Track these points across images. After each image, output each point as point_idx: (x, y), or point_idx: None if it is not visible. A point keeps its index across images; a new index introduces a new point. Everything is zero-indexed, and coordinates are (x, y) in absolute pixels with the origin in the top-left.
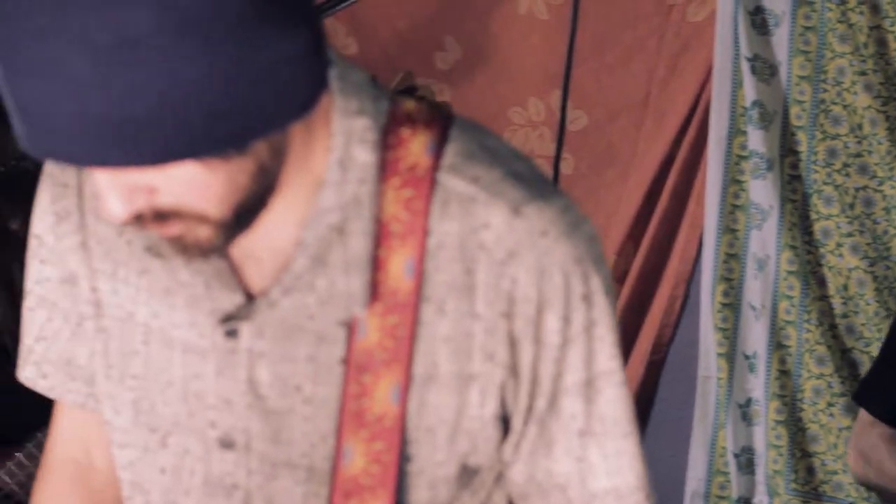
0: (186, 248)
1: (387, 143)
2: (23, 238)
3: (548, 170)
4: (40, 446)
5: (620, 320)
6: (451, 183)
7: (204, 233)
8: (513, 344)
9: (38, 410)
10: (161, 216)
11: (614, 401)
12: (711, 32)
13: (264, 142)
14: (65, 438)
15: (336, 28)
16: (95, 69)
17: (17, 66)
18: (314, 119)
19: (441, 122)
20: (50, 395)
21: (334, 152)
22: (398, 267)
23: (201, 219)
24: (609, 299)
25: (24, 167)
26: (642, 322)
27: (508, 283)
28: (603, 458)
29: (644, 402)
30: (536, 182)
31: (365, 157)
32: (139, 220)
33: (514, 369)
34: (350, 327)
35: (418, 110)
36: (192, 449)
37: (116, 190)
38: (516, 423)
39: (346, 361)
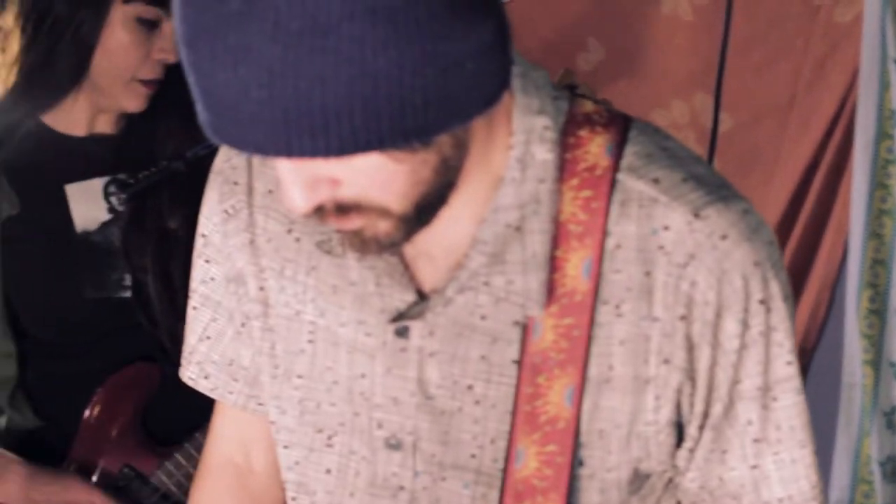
0: (365, 243)
1: (566, 143)
2: (181, 237)
3: None
4: (198, 447)
5: None
6: (631, 184)
7: (384, 227)
8: (690, 348)
9: (196, 411)
10: (342, 209)
11: (791, 408)
12: (858, 34)
13: (448, 135)
14: (224, 439)
15: None
16: (285, 56)
17: (206, 52)
18: (495, 115)
19: (619, 123)
20: (212, 395)
21: (515, 149)
22: (576, 267)
23: (383, 212)
24: (787, 305)
25: (175, 168)
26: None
27: (687, 285)
28: (778, 466)
29: None
30: (716, 185)
31: (545, 155)
32: (320, 212)
33: (690, 373)
34: (525, 328)
35: (596, 111)
36: (357, 449)
37: (299, 181)
38: (691, 428)
39: (519, 362)
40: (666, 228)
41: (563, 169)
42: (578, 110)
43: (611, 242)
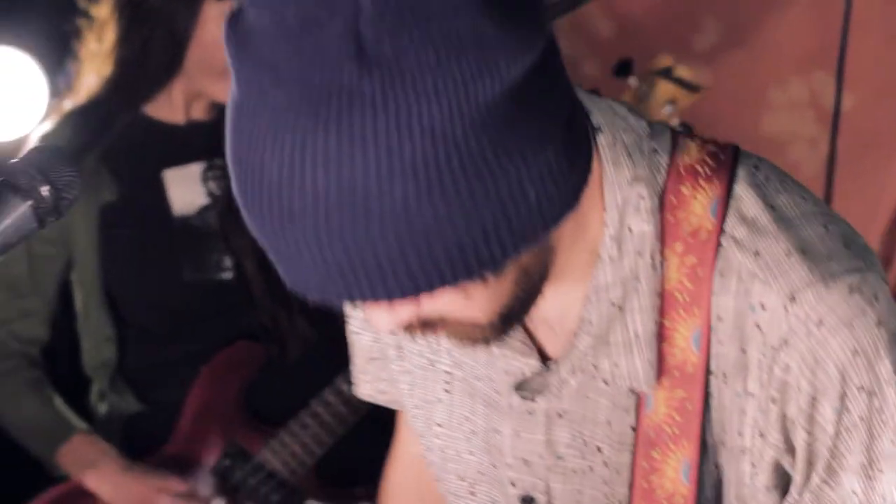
0: (460, 341)
1: (667, 202)
2: None
3: (810, 153)
4: (303, 425)
5: None
6: (732, 254)
7: (475, 333)
8: (785, 428)
9: (301, 389)
10: (428, 323)
11: None
12: None
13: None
14: (409, 436)
15: (592, 12)
16: (328, 224)
17: (258, 218)
18: (585, 195)
19: (725, 172)
20: (392, 407)
21: (609, 227)
22: (685, 339)
23: (469, 324)
24: None
25: None
26: None
27: (780, 370)
28: None
29: None
30: (825, 255)
31: (641, 227)
32: (408, 327)
33: (787, 448)
34: (638, 396)
35: (700, 160)
36: (498, 500)
37: (380, 304)
38: (792, 490)
39: (635, 430)
40: (763, 307)
41: (665, 232)
42: (681, 161)
43: (713, 314)
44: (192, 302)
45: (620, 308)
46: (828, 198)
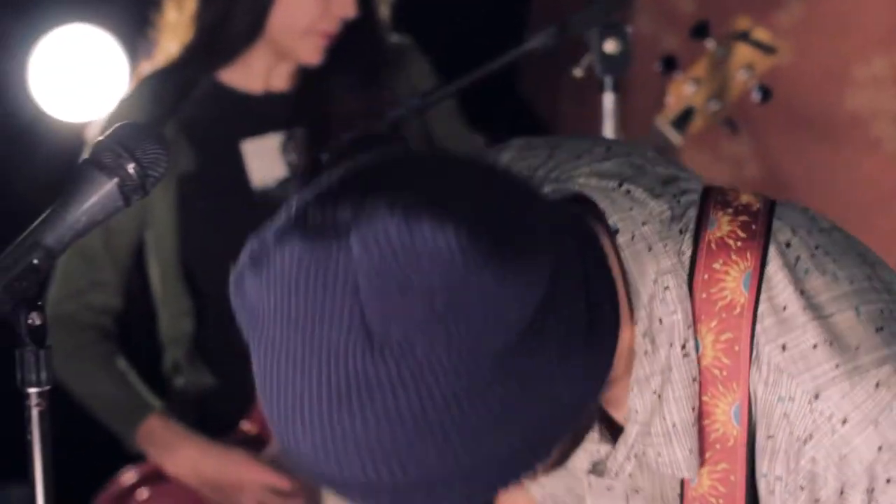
0: None
1: (696, 282)
2: None
3: (893, 129)
4: None
5: None
6: (762, 346)
7: None
8: None
9: None
10: None
11: None
12: None
13: None
14: None
15: None
16: (378, 496)
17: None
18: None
19: (758, 244)
20: None
21: (639, 325)
22: (725, 412)
23: None
24: None
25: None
26: None
27: (807, 461)
28: None
29: None
30: (853, 345)
31: (670, 318)
32: None
33: None
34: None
35: (731, 234)
36: None
37: None
38: None
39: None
40: (790, 399)
41: (698, 311)
42: (711, 236)
43: (752, 397)
44: None
45: (660, 396)
46: None
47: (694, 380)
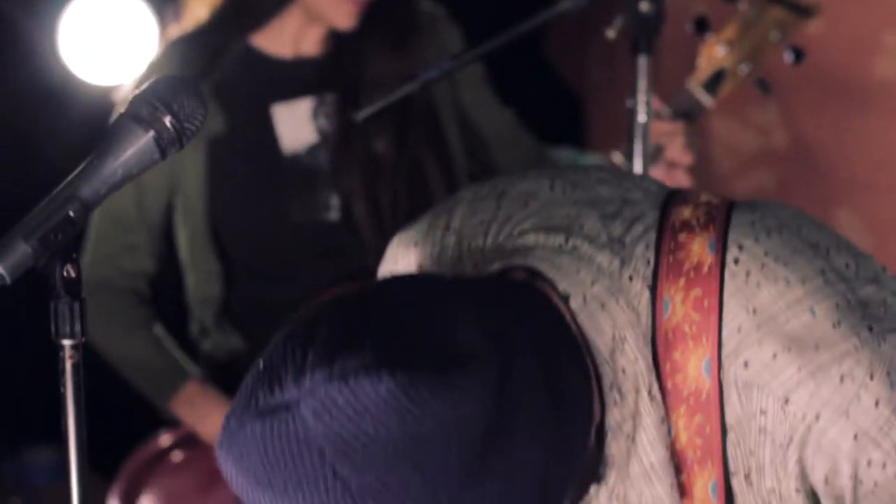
0: None
1: (658, 338)
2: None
3: None
4: None
5: None
6: (727, 366)
7: None
8: (814, 497)
9: None
10: None
11: None
12: None
13: None
14: None
15: None
16: None
17: None
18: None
19: (714, 277)
20: None
21: (605, 378)
22: (684, 429)
23: None
24: None
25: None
26: None
27: (793, 464)
28: None
29: None
30: (812, 344)
31: (633, 367)
32: None
33: None
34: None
35: (687, 321)
36: None
37: None
38: None
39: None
40: (763, 413)
41: (669, 396)
42: (667, 325)
43: (726, 420)
44: (299, 242)
45: (634, 440)
46: None
47: (662, 421)
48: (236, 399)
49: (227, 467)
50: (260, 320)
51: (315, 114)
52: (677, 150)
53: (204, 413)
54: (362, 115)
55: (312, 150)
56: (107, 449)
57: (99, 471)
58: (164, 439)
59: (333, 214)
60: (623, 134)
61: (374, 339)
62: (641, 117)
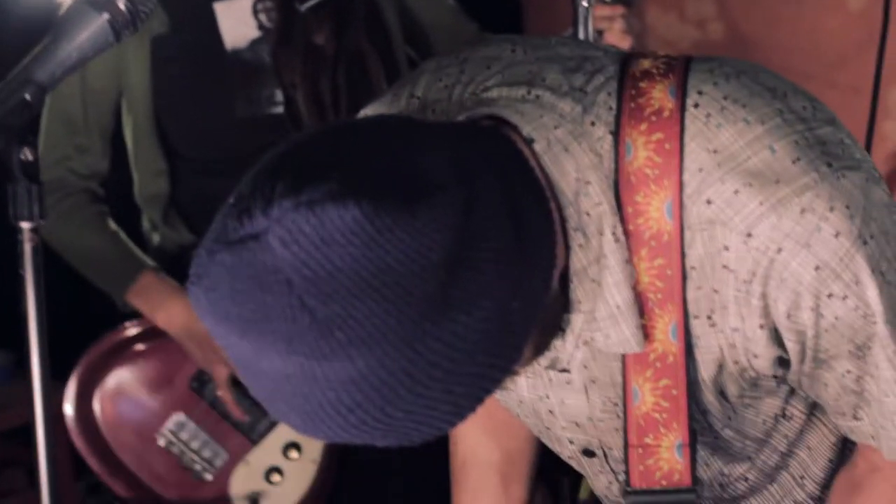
0: None
1: (622, 182)
2: (328, 54)
3: None
4: None
5: None
6: (689, 209)
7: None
8: (772, 342)
9: None
10: None
11: (887, 360)
12: None
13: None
14: None
15: None
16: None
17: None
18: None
19: (676, 117)
20: None
21: (570, 221)
22: (663, 332)
23: None
24: (874, 278)
25: None
26: None
27: (757, 298)
28: (880, 393)
29: None
30: (773, 179)
31: (597, 209)
32: None
33: (783, 351)
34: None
35: (648, 163)
36: (560, 451)
37: None
38: (792, 364)
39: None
40: (726, 249)
41: (631, 239)
42: (630, 168)
43: (687, 264)
44: (244, 136)
45: (599, 283)
46: None
47: (627, 263)
48: (208, 233)
49: (198, 300)
50: (207, 215)
51: (255, 10)
52: (616, 35)
53: (159, 302)
54: (306, 6)
55: (254, 45)
56: (65, 353)
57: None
58: (129, 329)
59: (277, 108)
60: (562, 20)
61: (342, 170)
62: (584, 1)
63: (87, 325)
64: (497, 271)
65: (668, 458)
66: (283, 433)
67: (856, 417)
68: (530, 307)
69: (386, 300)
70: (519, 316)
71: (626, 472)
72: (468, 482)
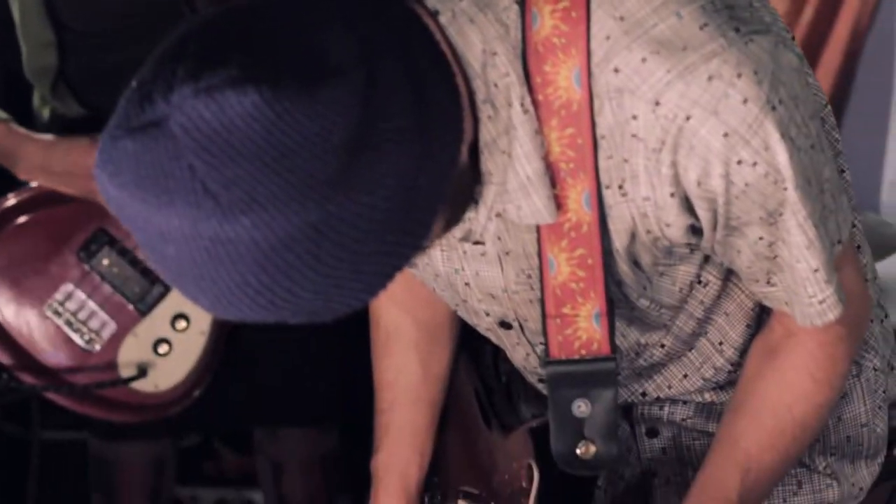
0: None
1: (534, 84)
2: None
3: None
4: None
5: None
6: (597, 75)
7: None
8: (684, 211)
9: None
10: None
11: (798, 226)
12: None
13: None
14: None
15: None
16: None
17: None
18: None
19: (581, 32)
20: None
21: (478, 93)
22: (576, 201)
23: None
24: (784, 143)
25: None
26: (839, 7)
27: (666, 167)
28: (790, 259)
29: (840, 93)
30: (680, 46)
31: (504, 80)
32: None
33: (693, 220)
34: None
35: (555, 31)
36: (478, 323)
37: None
38: (705, 232)
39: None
40: (635, 118)
41: (541, 109)
42: (537, 38)
43: (598, 133)
44: (133, 8)
45: (510, 155)
46: None
47: (536, 133)
48: (111, 118)
49: (103, 184)
50: (97, 85)
51: None
52: None
53: (14, 150)
54: None
55: None
56: None
57: None
58: (8, 199)
59: None
60: None
61: (241, 53)
62: None
63: None
64: (399, 150)
65: (586, 328)
66: (171, 304)
67: (770, 283)
68: (436, 183)
69: (288, 183)
70: (425, 192)
71: (546, 343)
72: (391, 358)
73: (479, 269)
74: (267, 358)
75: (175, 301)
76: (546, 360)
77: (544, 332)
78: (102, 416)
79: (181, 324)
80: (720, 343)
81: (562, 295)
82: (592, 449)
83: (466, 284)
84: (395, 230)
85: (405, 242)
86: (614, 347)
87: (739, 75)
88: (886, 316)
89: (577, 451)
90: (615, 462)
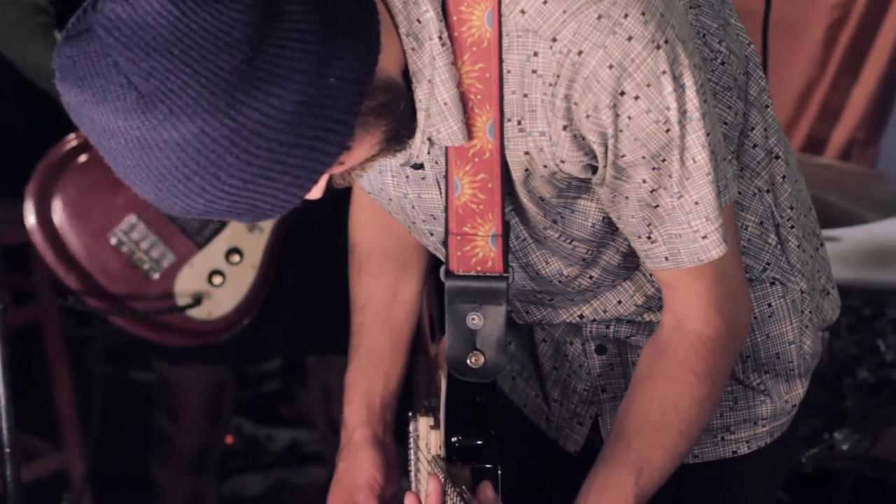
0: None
1: (450, 23)
2: None
3: None
4: None
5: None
6: (507, 14)
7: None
8: (579, 146)
9: None
10: (344, 175)
11: (679, 160)
12: None
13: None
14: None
15: None
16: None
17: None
18: (384, 23)
19: None
20: None
21: (402, 27)
22: (481, 130)
23: (368, 161)
24: (667, 82)
25: None
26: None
27: (561, 100)
28: (673, 205)
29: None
30: None
31: (426, 16)
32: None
33: (588, 157)
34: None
35: None
36: (427, 244)
37: None
38: (599, 169)
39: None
40: (536, 55)
41: (456, 44)
42: None
43: (504, 69)
44: None
45: (431, 82)
46: None
47: (452, 64)
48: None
49: (60, 88)
50: None
51: None
52: None
53: None
54: None
55: None
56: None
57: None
58: (71, 140)
59: None
60: None
61: None
62: None
63: (33, 144)
64: (301, 49)
65: (483, 247)
66: (226, 238)
67: (650, 238)
68: (350, 84)
69: (197, 73)
70: (337, 91)
71: (447, 258)
72: (362, 283)
73: (421, 192)
74: (312, 291)
75: (230, 235)
76: (446, 274)
77: (445, 247)
78: (158, 339)
79: (235, 257)
80: (651, 274)
81: (463, 214)
82: (482, 359)
83: (413, 207)
84: (312, 125)
85: (326, 139)
86: (507, 267)
87: (626, 15)
88: (822, 244)
89: (468, 361)
90: (500, 372)
